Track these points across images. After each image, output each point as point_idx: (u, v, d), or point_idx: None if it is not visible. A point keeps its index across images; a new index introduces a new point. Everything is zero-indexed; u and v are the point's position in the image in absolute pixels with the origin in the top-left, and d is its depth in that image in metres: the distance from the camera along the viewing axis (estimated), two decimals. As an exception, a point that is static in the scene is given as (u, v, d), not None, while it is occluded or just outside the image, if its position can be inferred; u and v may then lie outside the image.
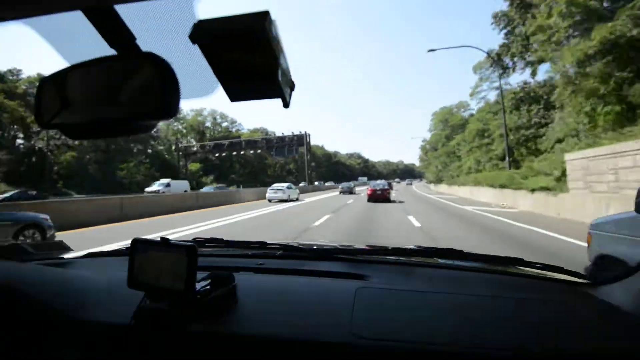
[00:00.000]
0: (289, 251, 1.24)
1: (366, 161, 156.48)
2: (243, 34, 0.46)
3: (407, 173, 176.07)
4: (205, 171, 51.77)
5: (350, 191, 30.68)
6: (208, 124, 66.11)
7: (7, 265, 0.96)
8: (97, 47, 0.57)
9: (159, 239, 0.74)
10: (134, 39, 0.53)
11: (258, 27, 0.45)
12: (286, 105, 0.54)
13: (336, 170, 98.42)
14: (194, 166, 48.62)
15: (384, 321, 0.72)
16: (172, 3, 0.52)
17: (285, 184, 23.58)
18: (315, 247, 1.33)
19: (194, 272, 0.69)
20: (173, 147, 51.26)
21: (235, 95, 0.54)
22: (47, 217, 6.59)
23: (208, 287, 0.79)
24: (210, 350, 0.67)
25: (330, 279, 0.96)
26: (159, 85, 0.45)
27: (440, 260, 1.15)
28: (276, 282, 0.95)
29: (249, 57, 0.48)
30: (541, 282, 0.99)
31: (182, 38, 0.54)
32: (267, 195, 22.10)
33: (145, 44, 0.55)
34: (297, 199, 22.77)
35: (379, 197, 19.39)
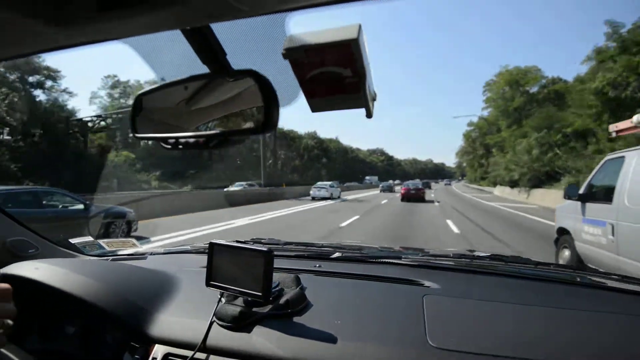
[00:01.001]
0: (344, 253, 1.25)
1: (390, 158, 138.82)
2: (336, 47, 0.47)
3: (436, 173, 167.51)
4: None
5: (391, 189, 33.48)
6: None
7: (85, 261, 1.04)
8: (188, 64, 0.62)
9: (235, 242, 0.78)
10: (225, 54, 0.56)
11: (351, 39, 0.46)
12: (369, 115, 0.55)
13: (353, 168, 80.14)
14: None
15: (460, 332, 0.70)
16: (263, 19, 0.54)
17: (328, 183, 24.76)
18: (369, 251, 1.34)
19: (270, 276, 0.72)
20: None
21: (317, 106, 0.56)
22: (132, 210, 7.67)
23: (278, 288, 0.82)
24: (285, 351, 0.69)
25: (390, 284, 0.96)
26: (261, 101, 0.47)
27: (506, 267, 1.11)
28: (338, 286, 0.95)
29: (339, 69, 0.50)
30: (621, 295, 0.92)
31: (270, 52, 0.57)
32: (311, 192, 23.27)
33: (234, 59, 0.58)
34: (339, 197, 23.79)
35: (413, 196, 19.21)
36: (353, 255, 1.24)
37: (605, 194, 3.63)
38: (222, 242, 0.79)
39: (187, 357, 0.72)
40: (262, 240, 1.41)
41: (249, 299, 0.77)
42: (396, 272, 1.05)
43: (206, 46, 0.53)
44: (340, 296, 0.88)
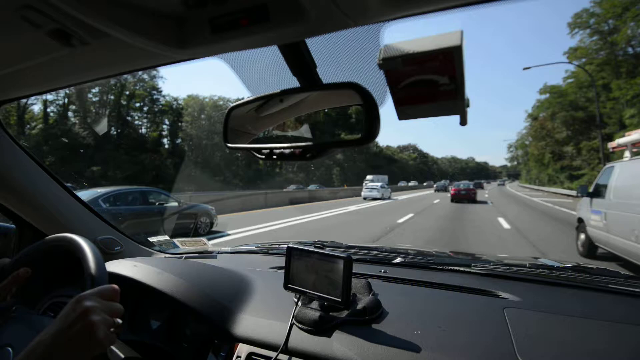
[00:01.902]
0: (407, 259, 1.23)
1: (424, 156, 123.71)
2: (437, 55, 0.47)
3: (478, 172, 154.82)
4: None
5: (445, 189, 33.45)
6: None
7: (174, 260, 1.12)
8: (277, 78, 0.64)
9: (313, 247, 0.80)
10: (315, 67, 0.57)
11: (454, 47, 0.45)
12: (464, 122, 0.54)
13: (378, 166, 68.64)
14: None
15: (552, 350, 0.66)
16: (355, 32, 0.55)
17: (379, 184, 25.07)
18: (432, 257, 1.31)
19: (349, 282, 0.73)
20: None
21: (406, 114, 0.55)
22: (213, 208, 9.12)
23: (351, 293, 0.82)
24: (366, 358, 0.70)
25: (462, 294, 0.92)
26: (361, 112, 0.48)
27: (591, 279, 1.02)
28: (409, 293, 0.94)
29: (436, 76, 0.49)
30: None
31: (359, 63, 0.58)
32: (363, 193, 23.80)
33: (323, 71, 0.59)
34: (389, 198, 24.28)
35: (463, 197, 18.51)
36: (417, 262, 1.22)
37: (602, 192, 5.24)
38: (300, 247, 0.81)
39: (268, 357, 0.74)
40: (325, 243, 1.42)
41: (325, 303, 0.79)
42: (466, 281, 1.01)
43: (299, 60, 0.55)
44: (413, 304, 0.87)
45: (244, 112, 0.65)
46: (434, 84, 0.50)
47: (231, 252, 1.46)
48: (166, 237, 1.43)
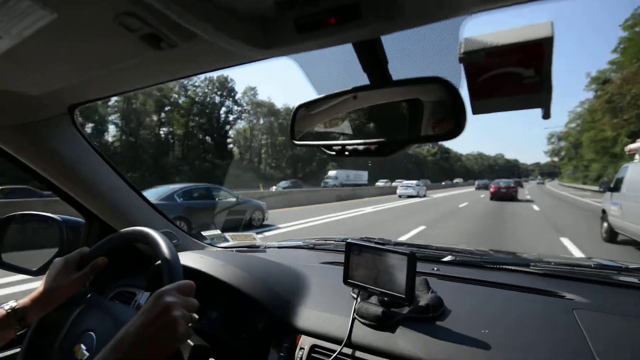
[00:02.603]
0: (457, 257, 1.21)
1: (446, 151, 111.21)
2: (525, 47, 0.46)
3: (508, 170, 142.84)
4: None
5: (486, 187, 33.68)
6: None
7: (234, 254, 1.16)
8: (347, 76, 0.65)
9: (373, 243, 0.80)
10: (387, 63, 0.57)
11: (544, 38, 0.44)
12: (548, 116, 0.52)
13: (393, 161, 61.10)
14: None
15: (635, 357, 0.63)
16: (432, 26, 0.54)
17: (415, 181, 25.79)
18: (485, 255, 1.28)
19: (413, 278, 0.72)
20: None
21: (482, 108, 0.54)
22: (264, 203, 10.37)
23: None
24: (432, 355, 0.69)
25: (524, 294, 0.90)
26: (450, 107, 0.47)
27: None
28: (468, 292, 0.92)
29: (521, 69, 0.48)
30: None
31: (434, 58, 0.57)
32: (398, 191, 24.49)
33: (393, 67, 0.59)
34: (424, 196, 24.57)
35: (504, 195, 17.96)
36: (470, 260, 1.19)
37: (619, 187, 6.61)
38: (359, 242, 0.81)
39: (331, 350, 0.76)
40: (373, 240, 1.42)
41: (385, 299, 0.79)
42: (524, 280, 0.98)
43: (373, 56, 0.55)
44: (475, 303, 0.85)
45: (312, 110, 0.66)
46: (517, 76, 0.49)
47: (278, 247, 1.49)
48: (218, 231, 1.48)
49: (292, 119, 0.67)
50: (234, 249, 1.41)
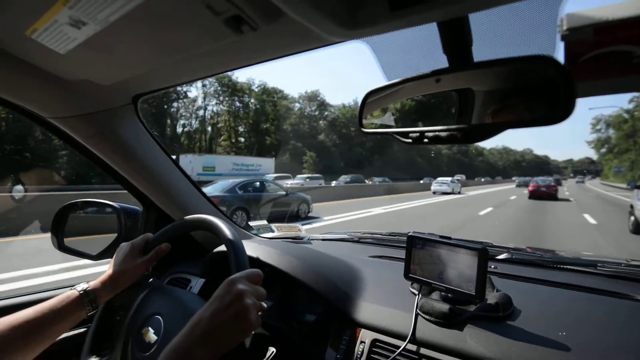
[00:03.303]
0: (513, 255, 1.14)
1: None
2: (637, 22, 0.41)
3: (537, 167, 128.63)
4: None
5: (526, 185, 33.71)
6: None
7: (277, 242, 1.16)
8: (421, 58, 0.61)
9: (436, 236, 0.77)
10: (471, 44, 0.54)
11: None
12: None
13: (391, 155, 53.81)
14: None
15: None
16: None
17: (449, 178, 25.99)
18: (541, 253, 1.21)
19: (484, 275, 0.69)
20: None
21: (584, 91, 0.50)
22: (309, 196, 11.43)
23: None
24: (506, 355, 0.65)
25: (594, 295, 0.84)
26: (559, 88, 0.43)
27: None
28: (532, 292, 0.87)
29: (634, 47, 0.43)
30: None
31: (524, 36, 0.53)
32: (432, 187, 24.68)
33: (477, 48, 0.56)
34: (459, 192, 24.74)
35: (543, 194, 17.42)
36: (528, 258, 1.12)
37: None
38: (423, 236, 0.78)
39: (393, 345, 0.73)
40: (421, 235, 1.38)
41: (450, 295, 0.76)
42: (589, 281, 0.92)
43: (459, 37, 0.52)
44: (543, 303, 0.80)
45: (382, 97, 0.64)
46: (628, 56, 0.44)
47: (322, 240, 1.48)
48: (264, 222, 1.50)
49: (361, 107, 0.65)
50: (280, 240, 1.42)
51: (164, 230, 0.86)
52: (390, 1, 0.42)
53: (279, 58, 0.65)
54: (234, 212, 9.27)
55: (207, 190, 9.49)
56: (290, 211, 10.70)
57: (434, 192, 23.77)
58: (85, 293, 0.73)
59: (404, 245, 1.26)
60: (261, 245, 1.02)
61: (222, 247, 1.11)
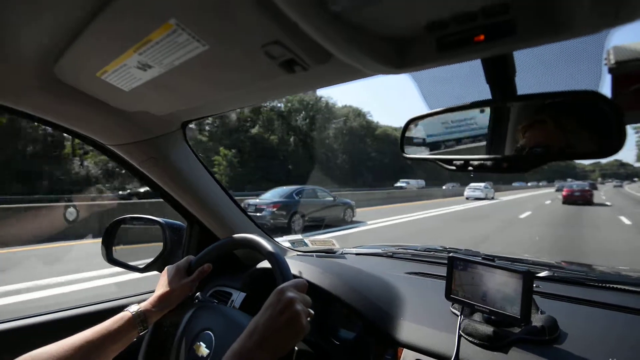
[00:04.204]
0: (555, 273, 1.11)
1: None
2: None
3: (559, 172, 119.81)
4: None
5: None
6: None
7: (315, 259, 1.19)
8: (464, 89, 0.63)
9: (479, 258, 0.77)
10: (514, 74, 0.55)
11: None
12: None
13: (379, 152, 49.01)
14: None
15: None
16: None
17: (483, 184, 25.50)
18: (583, 270, 1.17)
19: (530, 298, 0.69)
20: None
21: (632, 118, 0.50)
22: (353, 202, 12.54)
23: None
24: None
25: (630, 315, 0.81)
26: (606, 123, 0.44)
27: None
28: (577, 313, 0.85)
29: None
30: None
31: (569, 68, 0.54)
32: (465, 193, 24.78)
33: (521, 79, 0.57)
34: (492, 198, 24.59)
35: (578, 199, 16.89)
36: (571, 277, 1.09)
37: None
38: (464, 257, 0.79)
39: None
40: (460, 251, 1.37)
41: (493, 317, 0.76)
42: (622, 299, 0.88)
43: (502, 70, 0.54)
44: (589, 325, 0.78)
45: (426, 124, 0.66)
46: None
47: (356, 254, 1.49)
48: (299, 236, 1.53)
49: (402, 132, 0.67)
50: (314, 254, 1.45)
51: (207, 251, 0.91)
52: (438, 45, 0.45)
53: (323, 88, 0.69)
54: (293, 215, 10.29)
55: (267, 196, 11.12)
56: (336, 216, 11.67)
57: (467, 198, 23.74)
58: (137, 314, 0.78)
59: (441, 261, 1.27)
60: (301, 263, 1.05)
61: (263, 264, 1.15)
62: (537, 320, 0.74)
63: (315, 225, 10.68)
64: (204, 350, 0.77)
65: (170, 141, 0.99)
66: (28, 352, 0.66)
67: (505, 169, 0.51)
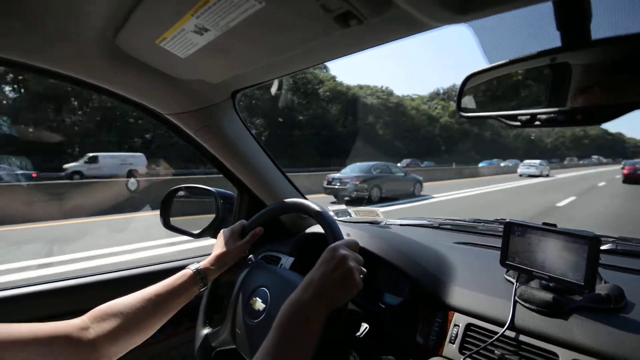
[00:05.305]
0: (619, 245, 1.04)
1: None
2: None
3: (605, 147, 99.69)
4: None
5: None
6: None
7: (364, 225, 1.21)
8: (530, 38, 0.59)
9: (539, 223, 0.74)
10: (590, 18, 0.50)
11: None
12: None
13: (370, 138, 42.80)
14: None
15: None
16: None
17: (538, 161, 25.47)
18: None
19: (596, 265, 0.65)
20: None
21: None
22: (421, 177, 13.71)
23: None
24: (620, 349, 0.62)
25: None
26: None
27: None
28: (638, 284, 0.80)
29: None
30: None
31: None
32: (519, 170, 24.78)
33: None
34: (547, 175, 24.27)
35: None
36: (636, 250, 1.01)
37: None
38: (523, 223, 0.76)
39: (489, 330, 0.73)
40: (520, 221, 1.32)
41: (551, 284, 0.73)
42: None
43: (578, 11, 0.49)
44: None
45: (485, 79, 0.62)
46: None
47: (400, 225, 1.48)
48: (343, 206, 1.54)
49: (460, 90, 0.64)
50: (358, 224, 1.46)
51: (259, 215, 0.95)
52: None
53: (376, 47, 0.67)
54: (372, 188, 11.76)
55: (346, 170, 12.66)
56: (407, 189, 13.04)
57: (520, 175, 23.47)
58: (198, 272, 0.84)
59: (491, 232, 1.23)
60: (348, 228, 1.06)
61: (311, 229, 1.18)
62: (600, 289, 0.70)
63: (388, 197, 11.99)
64: (260, 304, 0.82)
65: (222, 110, 1.02)
66: (106, 302, 0.73)
67: (579, 122, 0.47)
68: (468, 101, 0.64)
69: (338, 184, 11.52)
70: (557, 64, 0.53)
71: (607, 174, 24.81)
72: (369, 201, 11.16)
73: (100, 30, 0.69)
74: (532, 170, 23.78)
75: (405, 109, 51.67)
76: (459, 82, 0.65)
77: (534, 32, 0.57)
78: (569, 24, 0.50)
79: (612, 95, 0.47)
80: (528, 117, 0.53)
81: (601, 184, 17.49)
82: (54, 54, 0.75)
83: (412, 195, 12.93)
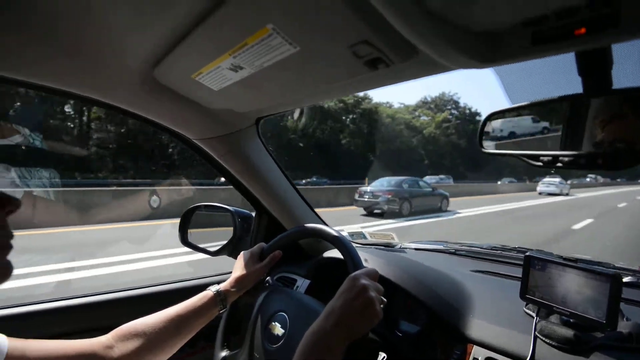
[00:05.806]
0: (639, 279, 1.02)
1: (469, 119, 57.74)
2: None
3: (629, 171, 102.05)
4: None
5: None
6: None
7: (382, 252, 1.21)
8: (550, 82, 0.61)
9: (559, 258, 0.74)
10: (611, 65, 0.52)
11: None
12: None
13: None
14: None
15: None
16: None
17: (557, 179, 24.97)
18: None
19: (618, 303, 0.65)
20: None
21: None
22: (447, 193, 14.29)
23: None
24: None
25: None
26: None
27: None
28: None
29: None
30: None
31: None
32: (539, 188, 24.70)
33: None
34: (567, 194, 24.01)
35: None
36: None
37: None
38: (543, 257, 0.76)
39: None
40: (541, 255, 1.31)
41: (572, 320, 0.72)
42: None
43: (599, 61, 0.51)
44: None
45: (504, 119, 0.64)
46: None
47: (415, 249, 1.48)
48: (358, 229, 1.55)
49: (481, 127, 0.66)
50: (373, 247, 1.46)
51: (278, 239, 0.97)
52: (533, 39, 0.44)
53: (397, 84, 0.70)
54: (403, 202, 12.07)
55: (376, 184, 13.09)
56: (434, 204, 13.42)
57: (540, 193, 23.43)
58: (218, 293, 0.86)
59: (509, 260, 1.22)
60: (365, 253, 1.08)
61: (329, 253, 1.20)
62: (622, 326, 0.70)
63: (417, 212, 12.27)
64: (279, 329, 0.83)
65: (246, 136, 1.06)
66: (131, 321, 0.75)
67: (601, 165, 0.49)
68: (489, 139, 0.66)
69: (370, 196, 11.91)
70: (578, 107, 0.55)
71: (630, 194, 24.40)
72: (399, 214, 11.57)
73: (140, 62, 0.74)
74: (552, 189, 23.63)
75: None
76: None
77: (556, 78, 0.59)
78: (591, 72, 0.52)
79: (632, 142, 0.48)
80: (550, 158, 0.55)
81: (622, 205, 17.01)
82: (95, 82, 0.80)
83: (439, 210, 13.36)
